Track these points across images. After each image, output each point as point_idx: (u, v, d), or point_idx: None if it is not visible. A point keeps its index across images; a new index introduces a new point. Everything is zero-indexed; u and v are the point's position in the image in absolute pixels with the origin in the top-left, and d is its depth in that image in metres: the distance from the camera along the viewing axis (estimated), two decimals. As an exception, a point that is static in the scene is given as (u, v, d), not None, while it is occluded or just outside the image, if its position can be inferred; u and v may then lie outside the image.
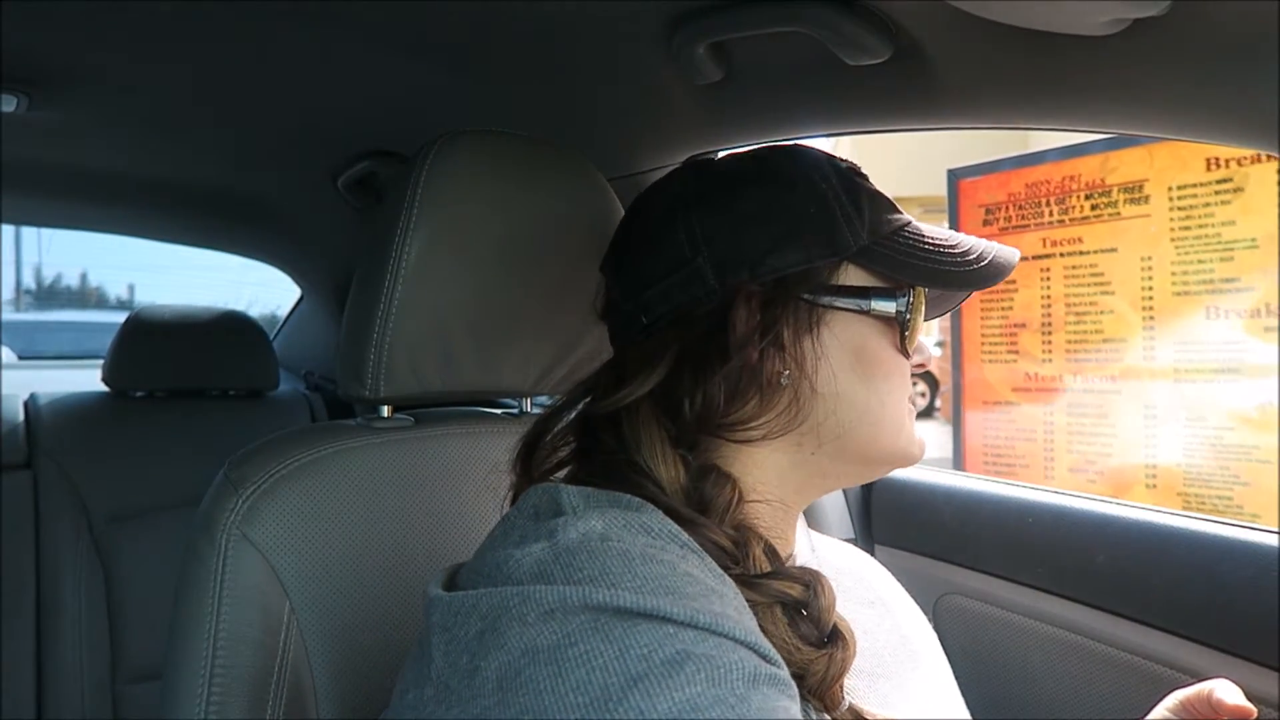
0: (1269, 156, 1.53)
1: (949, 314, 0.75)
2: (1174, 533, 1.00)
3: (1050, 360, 1.93)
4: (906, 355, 0.63)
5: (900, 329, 0.61)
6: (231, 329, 1.96)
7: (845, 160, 0.65)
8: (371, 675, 0.74)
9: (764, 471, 0.61)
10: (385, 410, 0.82)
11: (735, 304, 0.59)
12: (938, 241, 0.63)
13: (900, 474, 1.28)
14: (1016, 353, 2.01)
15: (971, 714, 0.76)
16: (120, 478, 1.77)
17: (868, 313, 0.61)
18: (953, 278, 0.62)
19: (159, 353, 1.88)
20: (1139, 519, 1.04)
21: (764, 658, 0.46)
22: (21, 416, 1.82)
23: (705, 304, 0.59)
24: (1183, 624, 0.96)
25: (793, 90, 0.97)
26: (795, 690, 0.46)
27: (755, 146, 0.66)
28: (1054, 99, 0.83)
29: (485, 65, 1.04)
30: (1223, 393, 1.63)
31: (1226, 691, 0.58)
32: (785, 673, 0.47)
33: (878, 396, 0.61)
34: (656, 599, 0.45)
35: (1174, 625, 0.97)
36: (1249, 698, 0.58)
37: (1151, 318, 1.75)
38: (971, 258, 0.63)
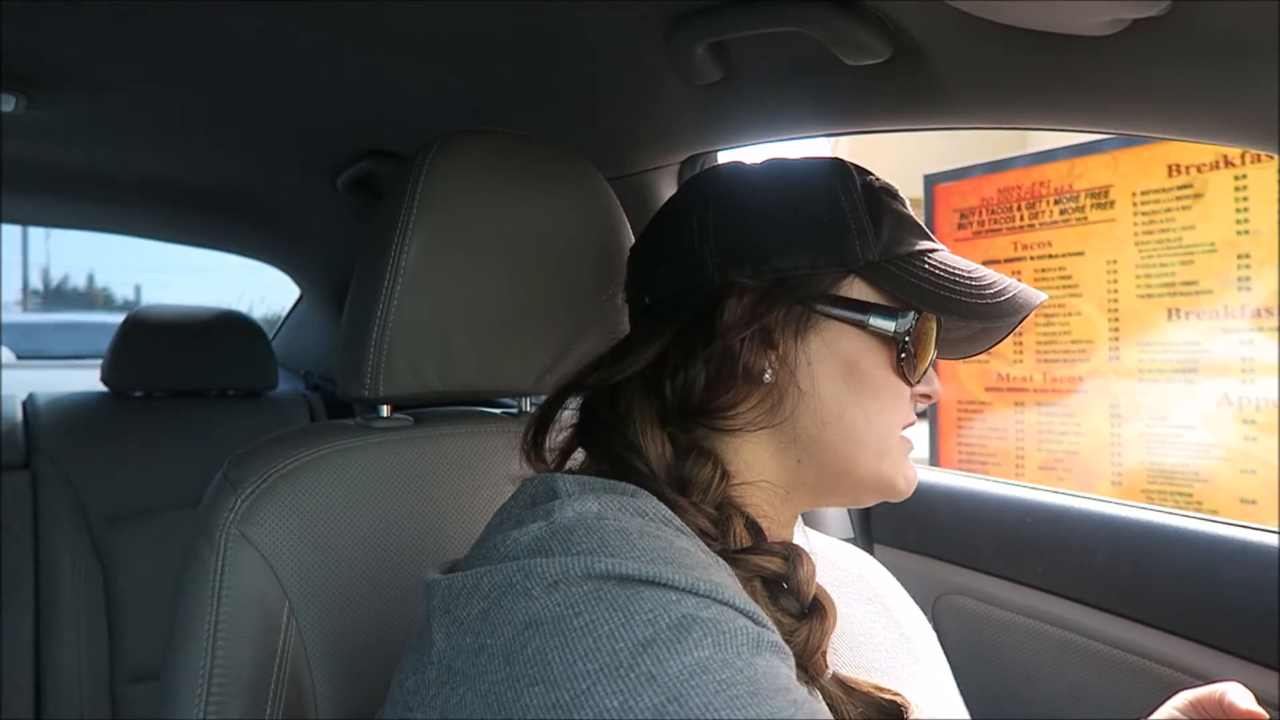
0: (1228, 162, 1.56)
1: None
2: (1173, 532, 1.00)
3: (1021, 361, 1.97)
4: (906, 380, 0.62)
5: (898, 351, 0.61)
6: (230, 329, 1.96)
7: (881, 180, 0.65)
8: (370, 675, 0.74)
9: (753, 474, 0.62)
10: (384, 410, 0.82)
11: (730, 294, 0.60)
12: (957, 271, 0.63)
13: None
14: (989, 353, 2.06)
15: (970, 713, 0.76)
16: (119, 478, 1.77)
17: (865, 328, 0.61)
18: (962, 308, 0.61)
19: (158, 353, 1.88)
20: (1138, 519, 1.04)
21: (761, 626, 0.47)
22: (20, 417, 1.82)
23: (703, 292, 0.60)
24: (1182, 624, 0.96)
25: (792, 90, 0.97)
26: (792, 659, 0.47)
27: (783, 155, 0.67)
28: (1053, 99, 0.83)
29: (484, 65, 1.04)
30: (1182, 392, 1.67)
31: (1239, 695, 0.58)
32: (781, 640, 0.47)
33: (864, 413, 0.61)
34: (657, 567, 0.46)
35: (1173, 625, 0.97)
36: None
37: (1116, 320, 1.79)
38: (989, 292, 0.62)
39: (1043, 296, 0.66)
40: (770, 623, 0.48)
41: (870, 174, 0.65)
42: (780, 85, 0.96)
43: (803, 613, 0.57)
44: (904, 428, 0.64)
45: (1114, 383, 1.80)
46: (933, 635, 0.79)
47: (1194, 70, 0.70)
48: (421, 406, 0.86)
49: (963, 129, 0.95)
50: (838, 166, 0.64)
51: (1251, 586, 0.91)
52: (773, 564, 0.57)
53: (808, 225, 0.61)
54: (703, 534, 0.55)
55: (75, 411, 1.85)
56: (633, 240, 0.73)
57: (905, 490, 0.64)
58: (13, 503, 1.69)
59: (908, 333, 0.61)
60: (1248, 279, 1.57)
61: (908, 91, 0.89)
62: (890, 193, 0.64)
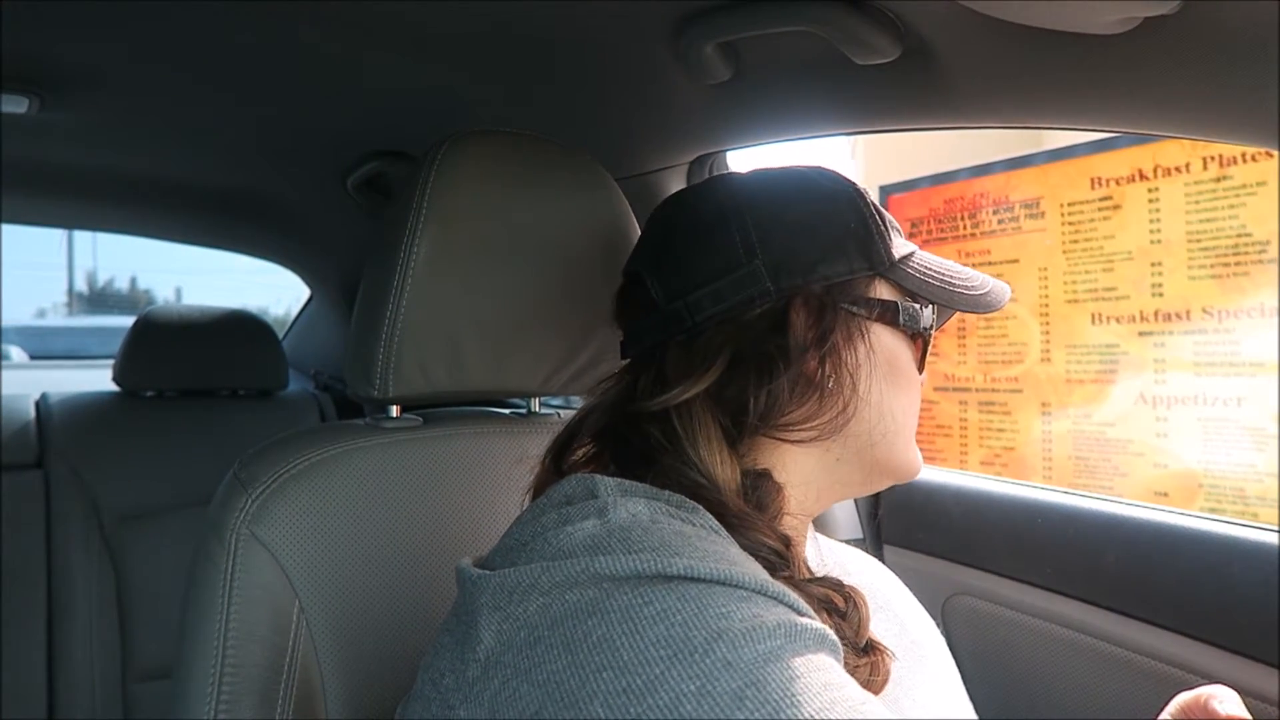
0: (1142, 175, 1.65)
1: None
2: (1183, 533, 0.99)
3: (965, 362, 2.06)
4: (920, 370, 0.67)
5: (923, 344, 0.66)
6: (241, 329, 1.97)
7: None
8: (380, 674, 0.74)
9: (797, 477, 0.62)
10: (394, 410, 0.82)
11: (792, 306, 0.60)
12: (946, 267, 0.68)
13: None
14: (937, 354, 2.13)
15: (981, 715, 0.76)
16: (130, 477, 1.78)
17: (898, 326, 0.64)
18: (965, 300, 0.67)
19: (169, 353, 1.89)
20: (1148, 519, 1.04)
21: (825, 631, 0.47)
22: (33, 416, 1.83)
23: (759, 305, 0.60)
24: (1192, 625, 0.96)
25: (801, 90, 0.97)
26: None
27: (789, 166, 0.68)
28: (1063, 98, 0.83)
29: (493, 66, 1.05)
30: (1103, 392, 1.78)
31: (1223, 700, 0.57)
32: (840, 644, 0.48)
33: (902, 406, 0.65)
34: (726, 568, 0.46)
35: (1183, 626, 0.96)
36: (1261, 700, 0.57)
37: (1047, 323, 1.89)
38: (974, 284, 0.69)
39: (1008, 291, 0.72)
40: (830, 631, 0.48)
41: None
42: (789, 84, 0.95)
43: (860, 650, 0.57)
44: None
45: (1045, 383, 1.89)
46: (941, 640, 0.79)
47: (1205, 69, 0.70)
48: (430, 407, 0.86)
49: (973, 128, 0.94)
50: (838, 174, 0.67)
51: (1263, 588, 0.91)
52: (836, 599, 0.57)
53: (840, 231, 0.63)
54: (773, 553, 0.55)
55: (87, 411, 1.86)
56: None
57: (918, 471, 0.68)
58: (25, 501, 1.70)
59: (931, 325, 0.66)
60: (1160, 285, 1.66)
61: (917, 91, 0.88)
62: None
